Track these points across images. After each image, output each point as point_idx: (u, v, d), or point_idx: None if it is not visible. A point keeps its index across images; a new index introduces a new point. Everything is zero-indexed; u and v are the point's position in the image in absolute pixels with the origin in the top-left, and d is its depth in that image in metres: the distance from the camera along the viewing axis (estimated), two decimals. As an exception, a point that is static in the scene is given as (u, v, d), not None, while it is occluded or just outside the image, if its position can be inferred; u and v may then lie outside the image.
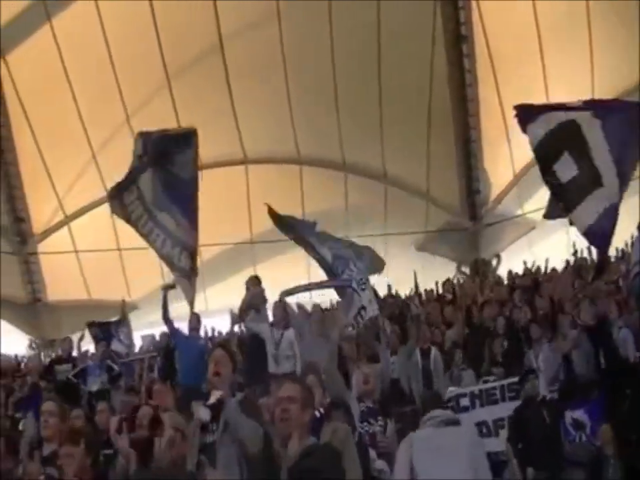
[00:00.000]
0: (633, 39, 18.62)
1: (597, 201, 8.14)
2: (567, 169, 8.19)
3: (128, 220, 9.84)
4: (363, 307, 10.64)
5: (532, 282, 15.77)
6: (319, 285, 11.16)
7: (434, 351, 11.71)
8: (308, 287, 10.90)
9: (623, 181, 8.14)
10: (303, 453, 4.12)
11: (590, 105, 8.52)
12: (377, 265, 12.23)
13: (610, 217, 8.12)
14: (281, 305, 10.47)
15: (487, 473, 6.20)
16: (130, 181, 9.73)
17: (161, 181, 9.51)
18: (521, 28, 20.54)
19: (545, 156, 8.39)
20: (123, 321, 15.58)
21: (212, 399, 5.40)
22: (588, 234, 8.39)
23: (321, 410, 5.94)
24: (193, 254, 9.39)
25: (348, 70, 21.35)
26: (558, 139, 8.29)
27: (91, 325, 14.48)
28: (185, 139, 9.44)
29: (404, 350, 11.65)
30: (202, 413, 5.33)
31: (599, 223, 8.11)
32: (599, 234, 8.26)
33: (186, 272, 9.31)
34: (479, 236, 22.82)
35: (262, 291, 11.12)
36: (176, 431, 4.91)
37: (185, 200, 9.41)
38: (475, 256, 22.78)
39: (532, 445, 9.24)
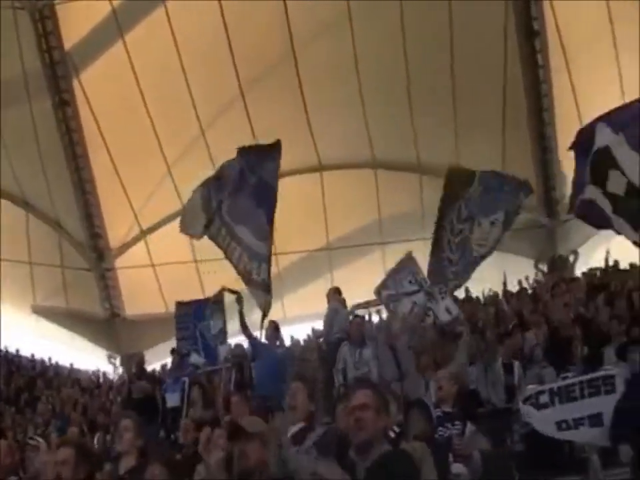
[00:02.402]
0: None
1: None
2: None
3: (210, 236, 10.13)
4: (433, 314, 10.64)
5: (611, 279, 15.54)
6: (392, 297, 11.04)
7: (517, 365, 11.50)
8: (380, 301, 10.86)
9: None
10: (379, 459, 4.16)
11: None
12: None
13: None
14: (356, 322, 10.51)
15: None
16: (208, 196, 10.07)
17: (248, 189, 9.93)
18: (594, 20, 20.17)
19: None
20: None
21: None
22: None
23: (396, 429, 5.87)
24: (268, 265, 9.77)
25: (421, 70, 21.39)
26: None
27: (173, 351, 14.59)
28: (274, 150, 10.16)
29: (481, 364, 11.36)
30: None
31: None
32: None
33: (265, 285, 9.60)
34: (556, 233, 22.57)
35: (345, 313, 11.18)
36: (252, 438, 4.87)
37: (270, 205, 9.90)
38: (552, 253, 22.56)
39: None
